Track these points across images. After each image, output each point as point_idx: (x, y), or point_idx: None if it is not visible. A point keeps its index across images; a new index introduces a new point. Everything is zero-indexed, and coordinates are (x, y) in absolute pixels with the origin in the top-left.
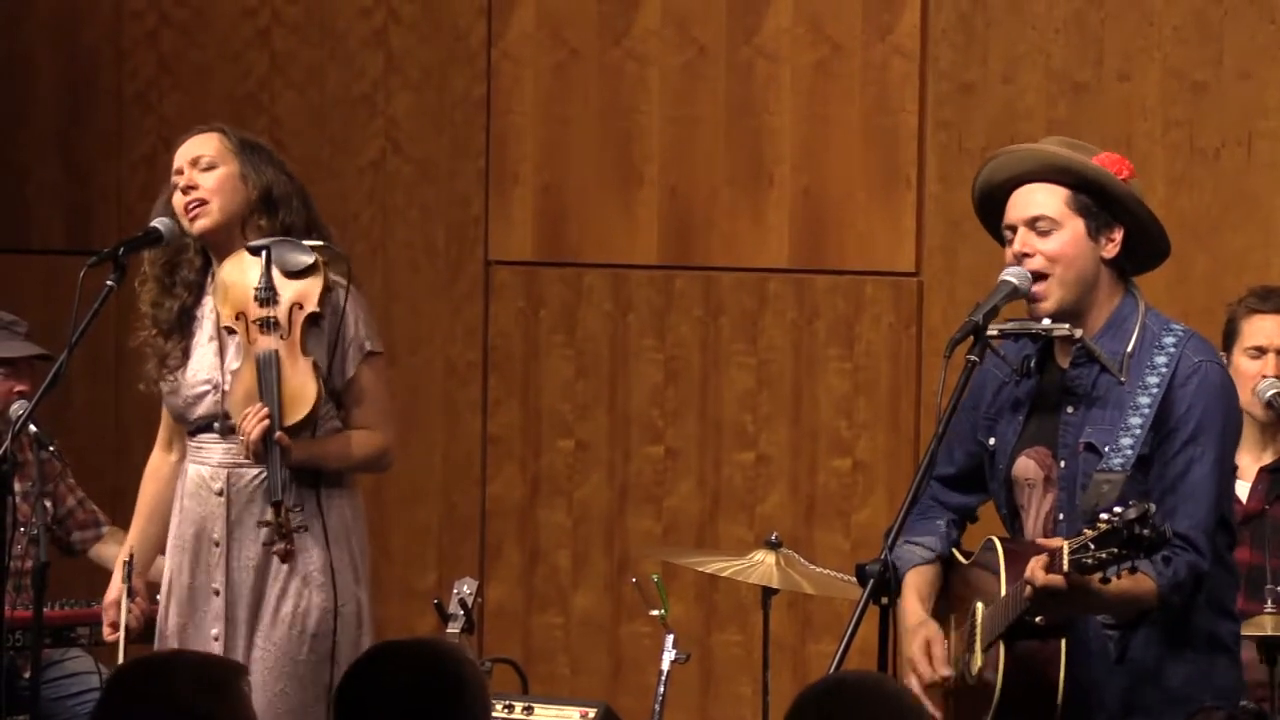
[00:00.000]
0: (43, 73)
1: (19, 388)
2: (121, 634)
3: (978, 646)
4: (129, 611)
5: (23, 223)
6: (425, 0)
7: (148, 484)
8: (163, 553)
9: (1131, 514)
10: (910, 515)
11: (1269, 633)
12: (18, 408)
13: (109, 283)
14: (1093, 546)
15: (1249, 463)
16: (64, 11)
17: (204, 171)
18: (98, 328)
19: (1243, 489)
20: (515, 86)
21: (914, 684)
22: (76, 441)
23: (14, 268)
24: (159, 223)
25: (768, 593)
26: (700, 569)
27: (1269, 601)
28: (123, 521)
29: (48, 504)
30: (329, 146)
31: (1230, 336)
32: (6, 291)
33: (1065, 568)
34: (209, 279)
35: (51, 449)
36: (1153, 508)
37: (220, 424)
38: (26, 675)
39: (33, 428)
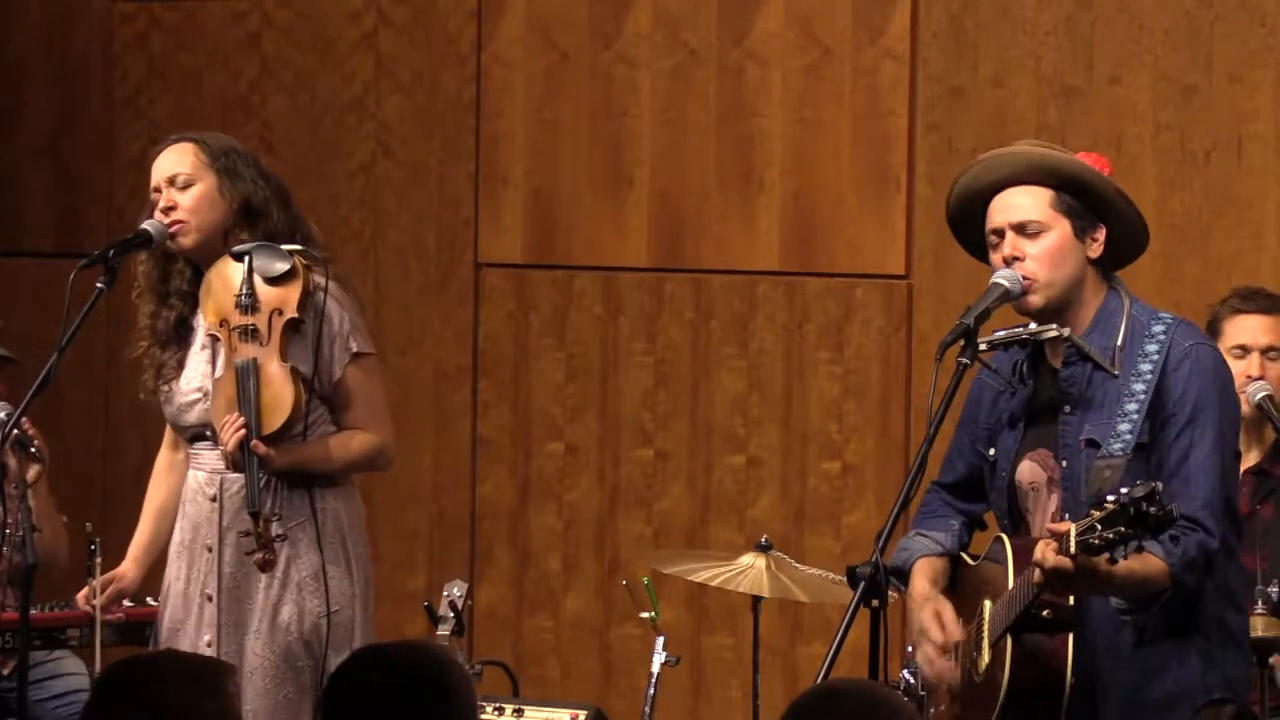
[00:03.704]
0: (33, 76)
1: None
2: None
3: (985, 644)
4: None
5: (13, 226)
6: (415, 4)
7: (154, 482)
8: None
9: (1139, 492)
10: (912, 517)
11: (1259, 634)
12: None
13: (99, 286)
14: (1099, 527)
15: None
16: (54, 15)
17: (181, 190)
18: (88, 331)
19: None
20: (505, 90)
21: (928, 650)
22: (66, 445)
23: (4, 271)
24: (148, 224)
25: (758, 596)
26: (689, 578)
27: (1259, 603)
28: (118, 524)
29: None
30: (319, 150)
31: (1213, 337)
32: None
33: (1072, 550)
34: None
35: (33, 450)
36: (1159, 486)
37: (211, 432)
38: (5, 672)
39: (15, 431)
